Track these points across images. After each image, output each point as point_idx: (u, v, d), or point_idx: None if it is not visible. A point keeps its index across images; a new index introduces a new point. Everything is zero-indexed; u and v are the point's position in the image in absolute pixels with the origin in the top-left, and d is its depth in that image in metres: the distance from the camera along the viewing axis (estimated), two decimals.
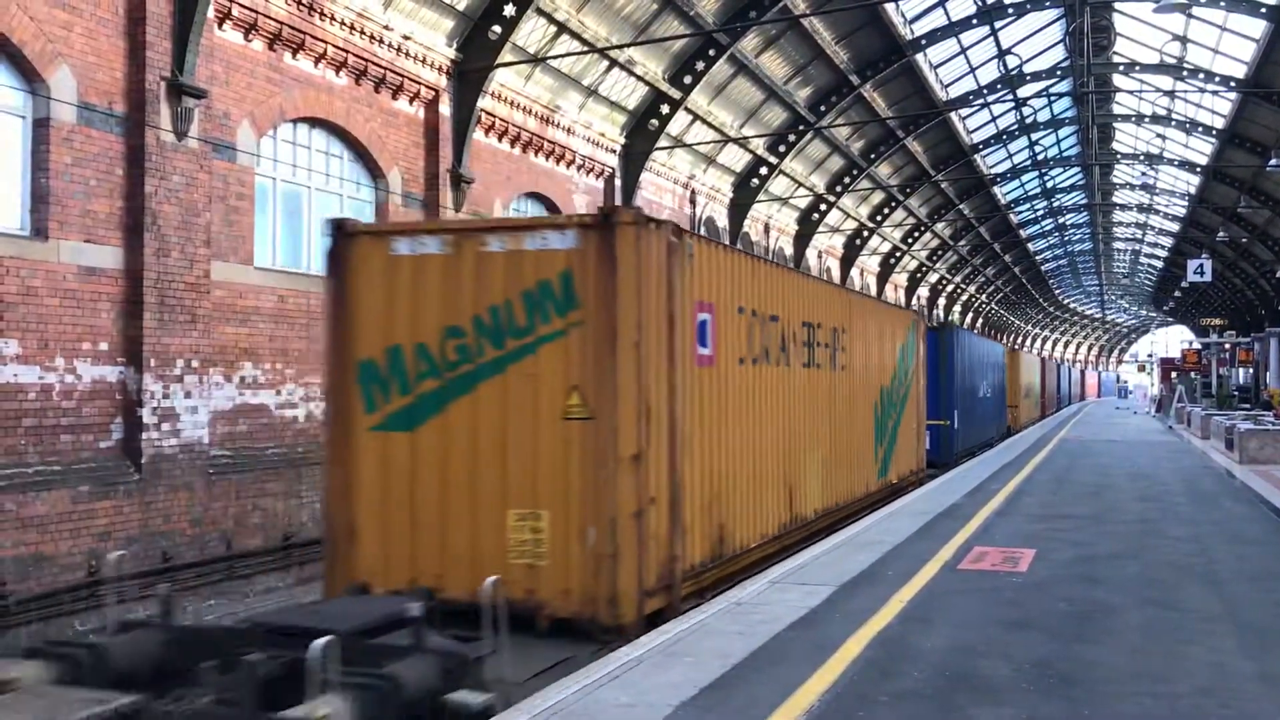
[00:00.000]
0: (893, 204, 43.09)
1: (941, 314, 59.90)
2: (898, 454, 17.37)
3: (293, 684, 5.70)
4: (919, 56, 31.24)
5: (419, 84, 18.01)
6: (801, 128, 30.64)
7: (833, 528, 12.92)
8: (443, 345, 8.27)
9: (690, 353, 8.86)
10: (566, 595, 7.84)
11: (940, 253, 54.67)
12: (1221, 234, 44.33)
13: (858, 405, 14.89)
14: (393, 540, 8.38)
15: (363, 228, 8.90)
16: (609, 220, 7.92)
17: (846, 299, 14.97)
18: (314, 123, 16.34)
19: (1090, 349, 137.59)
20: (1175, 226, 55.38)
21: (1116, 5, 30.68)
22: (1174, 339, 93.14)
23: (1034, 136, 43.26)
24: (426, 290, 8.35)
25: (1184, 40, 31.28)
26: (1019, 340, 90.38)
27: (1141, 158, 44.39)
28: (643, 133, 25.29)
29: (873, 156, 36.52)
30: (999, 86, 35.81)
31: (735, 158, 31.06)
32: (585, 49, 21.20)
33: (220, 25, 14.27)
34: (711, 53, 24.60)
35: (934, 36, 30.59)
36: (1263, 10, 26.16)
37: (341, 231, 8.71)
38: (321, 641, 5.53)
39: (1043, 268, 74.47)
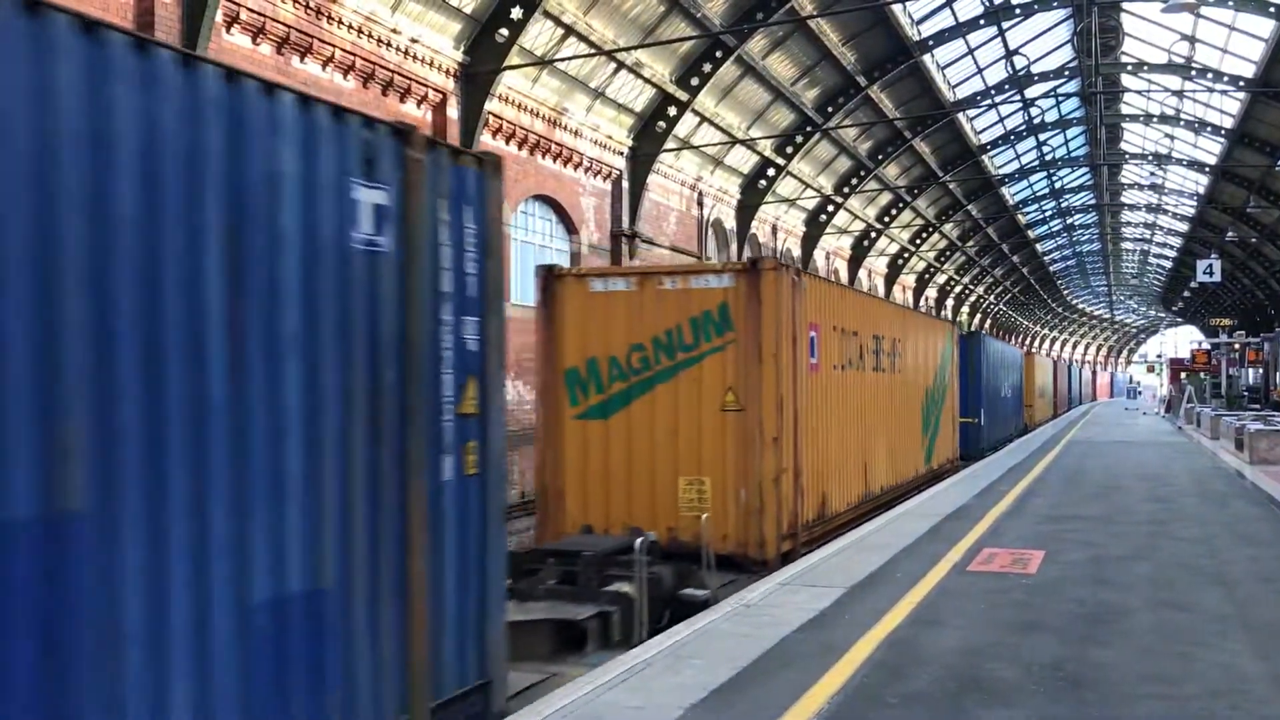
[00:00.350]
0: (900, 205, 43.04)
1: (950, 315, 59.75)
2: (938, 444, 20.04)
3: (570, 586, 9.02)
4: (926, 57, 31.20)
5: (426, 87, 18.05)
6: (809, 129, 30.62)
7: (893, 502, 15.20)
8: (629, 357, 11.02)
9: (805, 362, 11.57)
10: (724, 539, 10.52)
11: (948, 254, 54.60)
12: (1231, 234, 44.20)
13: (910, 402, 17.60)
14: (590, 500, 11.10)
15: (567, 271, 11.76)
16: (755, 266, 10.71)
17: (902, 314, 18.19)
18: None
19: (1099, 350, 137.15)
20: (1184, 226, 55.21)
21: (1124, 5, 30.61)
22: (1183, 339, 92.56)
23: (1042, 137, 43.14)
24: (616, 317, 11.08)
25: (1192, 40, 31.20)
26: (1028, 341, 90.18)
27: (1150, 158, 44.24)
28: (650, 135, 25.29)
29: (880, 157, 36.47)
30: (1007, 87, 35.75)
31: (742, 159, 31.05)
32: (592, 51, 21.22)
33: (228, 29, 14.33)
34: (719, 54, 24.59)
35: (941, 37, 30.54)
36: (1271, 10, 26.08)
37: (551, 274, 11.49)
38: (640, 539, 8.93)
39: (1051, 268, 74.26)
